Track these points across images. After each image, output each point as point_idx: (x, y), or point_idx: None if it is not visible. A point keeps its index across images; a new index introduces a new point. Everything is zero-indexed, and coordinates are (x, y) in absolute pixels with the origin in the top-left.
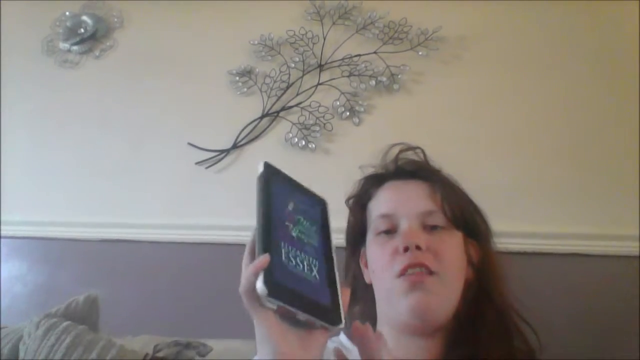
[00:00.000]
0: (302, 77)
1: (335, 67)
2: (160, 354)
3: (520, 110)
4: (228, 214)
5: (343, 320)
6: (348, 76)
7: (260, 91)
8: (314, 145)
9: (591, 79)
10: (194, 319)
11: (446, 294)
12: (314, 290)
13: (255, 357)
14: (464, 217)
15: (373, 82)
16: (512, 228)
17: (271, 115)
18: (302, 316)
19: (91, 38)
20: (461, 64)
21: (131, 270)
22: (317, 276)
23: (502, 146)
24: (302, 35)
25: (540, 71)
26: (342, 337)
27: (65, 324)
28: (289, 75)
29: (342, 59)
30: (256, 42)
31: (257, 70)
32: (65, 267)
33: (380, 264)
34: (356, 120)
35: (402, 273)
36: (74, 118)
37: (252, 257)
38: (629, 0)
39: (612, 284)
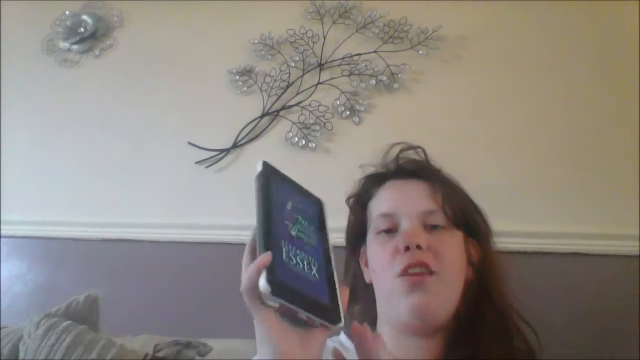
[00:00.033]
0: (302, 76)
1: (335, 66)
2: (160, 354)
3: (520, 110)
4: (228, 213)
5: (342, 319)
6: (348, 75)
7: (261, 90)
8: (314, 145)
9: (591, 79)
10: (194, 319)
11: (446, 294)
12: (313, 289)
13: (255, 357)
14: (464, 216)
15: (373, 81)
16: (512, 228)
17: (271, 115)
18: (302, 315)
19: (91, 37)
20: (461, 64)
21: (131, 270)
22: (316, 275)
23: (502, 146)
24: (302, 34)
25: (540, 71)
26: (342, 337)
27: (65, 323)
28: (289, 74)
29: (342, 58)
30: (256, 42)
31: (257, 69)
32: (65, 267)
33: (381, 263)
34: (356, 119)
35: (403, 273)
36: (74, 118)
37: (253, 256)
38: (629, 0)
39: (612, 284)
